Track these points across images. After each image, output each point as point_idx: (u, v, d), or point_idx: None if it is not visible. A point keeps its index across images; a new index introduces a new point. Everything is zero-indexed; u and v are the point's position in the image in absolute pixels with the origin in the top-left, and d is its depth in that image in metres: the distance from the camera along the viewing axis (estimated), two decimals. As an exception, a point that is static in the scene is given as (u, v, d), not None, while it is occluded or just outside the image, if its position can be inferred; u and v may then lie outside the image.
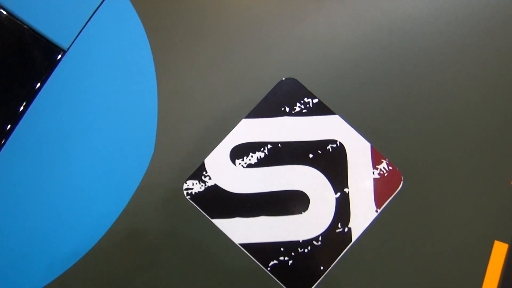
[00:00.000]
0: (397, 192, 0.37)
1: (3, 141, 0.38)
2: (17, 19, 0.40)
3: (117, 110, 0.38)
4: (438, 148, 0.38)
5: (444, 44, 0.39)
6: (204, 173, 0.37)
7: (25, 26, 0.40)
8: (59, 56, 0.40)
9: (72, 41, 0.40)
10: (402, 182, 0.37)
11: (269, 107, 0.38)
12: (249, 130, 0.37)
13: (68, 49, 0.40)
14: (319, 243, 0.36)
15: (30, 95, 0.39)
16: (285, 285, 0.36)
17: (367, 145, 0.37)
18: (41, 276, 0.36)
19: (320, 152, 0.37)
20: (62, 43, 0.40)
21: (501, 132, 0.39)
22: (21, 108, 0.39)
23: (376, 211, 0.37)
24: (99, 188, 0.37)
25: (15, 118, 0.39)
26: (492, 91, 0.39)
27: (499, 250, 0.38)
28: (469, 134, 0.38)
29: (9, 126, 0.39)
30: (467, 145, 0.38)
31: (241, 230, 0.36)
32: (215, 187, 0.36)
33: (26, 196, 0.37)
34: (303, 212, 0.37)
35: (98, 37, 0.40)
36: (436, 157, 0.38)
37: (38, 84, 0.39)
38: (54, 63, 0.40)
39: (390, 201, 0.37)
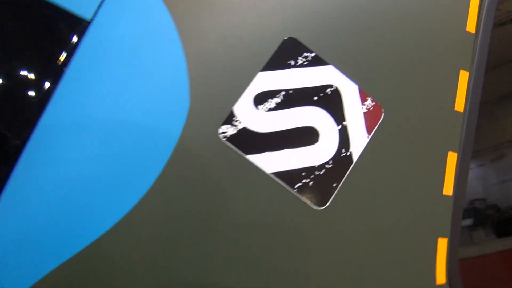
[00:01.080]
0: (380, 122, 0.48)
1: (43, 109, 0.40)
2: None
3: (148, 75, 0.43)
4: (411, 88, 0.50)
5: None
6: (234, 118, 0.44)
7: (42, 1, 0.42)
8: (83, 28, 0.43)
9: (95, 11, 0.44)
10: (383, 113, 0.48)
11: (279, 61, 0.46)
12: (266, 81, 0.45)
13: (92, 19, 0.44)
14: (330, 165, 0.46)
15: (58, 72, 0.42)
16: (310, 201, 0.45)
17: (355, 87, 0.48)
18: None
19: (322, 95, 0.47)
20: (84, 13, 0.44)
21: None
22: (51, 85, 0.42)
23: (368, 137, 0.47)
24: (139, 150, 0.41)
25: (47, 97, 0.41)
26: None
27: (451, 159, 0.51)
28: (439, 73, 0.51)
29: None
30: (432, 84, 0.51)
31: (270, 162, 0.44)
32: (245, 129, 0.44)
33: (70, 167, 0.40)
34: (315, 143, 0.46)
35: (118, 3, 0.44)
36: (409, 96, 0.49)
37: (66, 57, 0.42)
38: (80, 36, 0.43)
39: (376, 129, 0.48)
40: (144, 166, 0.41)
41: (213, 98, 0.44)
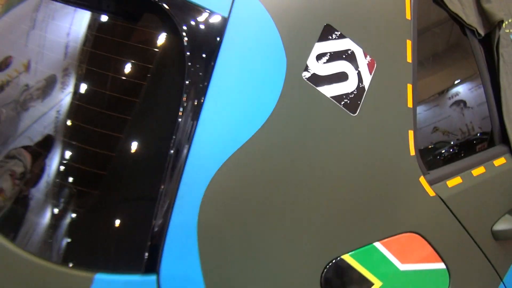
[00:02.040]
0: (375, 68, 0.88)
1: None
2: None
3: (266, 53, 0.77)
4: (385, 51, 0.90)
5: None
6: (308, 68, 0.80)
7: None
8: (222, 25, 0.75)
9: (230, 7, 0.75)
10: (375, 63, 0.89)
11: (324, 36, 0.83)
12: (320, 47, 0.82)
13: (228, 16, 0.76)
14: (355, 92, 0.85)
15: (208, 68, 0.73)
16: (348, 111, 0.83)
17: (361, 49, 0.87)
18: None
19: (346, 54, 0.85)
20: (220, 10, 0.76)
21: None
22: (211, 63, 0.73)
23: (370, 75, 0.87)
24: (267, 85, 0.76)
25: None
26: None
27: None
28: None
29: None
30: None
31: (328, 90, 0.81)
32: (314, 74, 0.80)
33: None
34: (347, 80, 0.84)
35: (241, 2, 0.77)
36: (385, 55, 0.90)
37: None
38: (220, 34, 0.75)
39: (374, 70, 0.88)
40: (271, 92, 0.76)
41: (296, 59, 0.80)
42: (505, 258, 1.13)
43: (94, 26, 0.84)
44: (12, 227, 0.74)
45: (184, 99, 0.70)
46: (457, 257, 0.99)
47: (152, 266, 0.67)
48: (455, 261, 0.98)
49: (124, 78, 0.77)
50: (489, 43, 1.20)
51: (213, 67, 0.72)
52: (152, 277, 0.67)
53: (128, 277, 0.67)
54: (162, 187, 0.68)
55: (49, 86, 0.86)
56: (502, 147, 1.18)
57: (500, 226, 1.08)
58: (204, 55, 0.73)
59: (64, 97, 0.82)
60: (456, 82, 1.32)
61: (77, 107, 0.78)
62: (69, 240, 0.71)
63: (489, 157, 1.13)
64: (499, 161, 1.14)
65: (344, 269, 0.81)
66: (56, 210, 0.73)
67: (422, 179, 0.94)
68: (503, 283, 1.12)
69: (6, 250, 0.72)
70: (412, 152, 0.92)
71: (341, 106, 0.83)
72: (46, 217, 0.74)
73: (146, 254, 0.67)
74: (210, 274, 0.68)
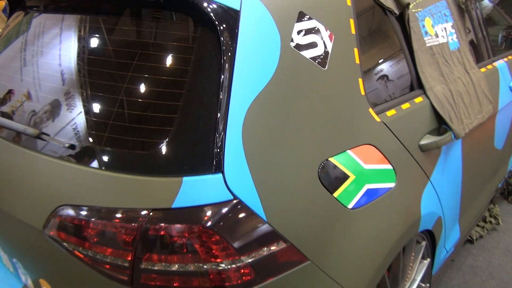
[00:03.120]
0: (333, 38, 1.34)
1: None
2: None
3: (268, 36, 1.19)
4: (337, 24, 1.36)
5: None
6: (292, 39, 1.23)
7: None
8: (237, 15, 1.14)
9: (240, 4, 1.15)
10: (333, 35, 1.34)
11: (300, 19, 1.27)
12: (298, 26, 1.25)
13: (240, 9, 1.16)
14: (324, 54, 1.29)
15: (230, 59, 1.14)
16: (321, 66, 1.28)
17: (323, 26, 1.32)
18: None
19: (315, 30, 1.30)
20: (234, 6, 1.15)
21: None
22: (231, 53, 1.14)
23: (331, 42, 1.32)
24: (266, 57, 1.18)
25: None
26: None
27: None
28: None
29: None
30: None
31: (307, 53, 1.25)
32: (297, 43, 1.24)
33: None
34: (318, 46, 1.29)
35: None
36: (338, 27, 1.36)
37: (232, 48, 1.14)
38: (237, 21, 1.14)
39: (333, 40, 1.33)
40: (274, 55, 1.17)
41: (285, 34, 1.22)
42: (429, 164, 1.64)
43: (156, 25, 1.23)
44: (120, 157, 1.10)
45: (223, 59, 1.10)
46: (399, 162, 1.48)
47: (218, 168, 1.06)
48: (397, 165, 1.46)
49: (189, 52, 1.16)
50: (403, 20, 1.71)
51: (237, 40, 1.13)
52: (219, 175, 1.06)
53: (204, 176, 1.06)
54: (219, 114, 1.07)
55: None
56: (419, 90, 1.70)
57: (423, 141, 1.59)
58: (230, 34, 1.13)
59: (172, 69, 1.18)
60: (390, 52, 1.77)
61: (169, 73, 1.15)
62: (164, 157, 1.09)
63: (411, 97, 1.64)
64: (418, 100, 1.65)
65: (331, 166, 1.25)
66: (152, 138, 1.10)
67: (371, 110, 1.41)
68: (430, 181, 1.64)
69: (121, 178, 1.08)
70: (363, 92, 1.39)
71: (316, 63, 1.27)
72: (149, 145, 1.11)
73: (214, 159, 1.06)
74: (253, 169, 1.09)
